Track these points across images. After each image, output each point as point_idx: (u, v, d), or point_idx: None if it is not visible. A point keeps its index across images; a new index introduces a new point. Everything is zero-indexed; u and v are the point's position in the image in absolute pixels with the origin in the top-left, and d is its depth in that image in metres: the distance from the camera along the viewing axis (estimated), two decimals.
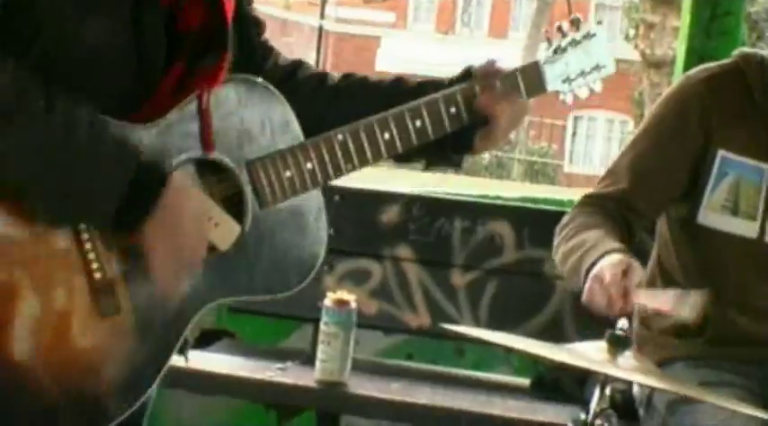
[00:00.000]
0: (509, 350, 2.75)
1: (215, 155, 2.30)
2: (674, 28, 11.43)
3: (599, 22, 2.65)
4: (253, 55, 2.48)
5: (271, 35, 2.58)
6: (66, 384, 2.20)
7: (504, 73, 2.52)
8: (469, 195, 4.21)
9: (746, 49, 3.23)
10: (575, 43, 2.60)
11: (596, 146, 32.44)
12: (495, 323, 3.90)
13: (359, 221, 3.96)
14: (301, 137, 2.39)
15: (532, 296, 3.91)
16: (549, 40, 2.61)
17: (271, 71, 2.50)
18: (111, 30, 2.21)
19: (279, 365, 3.69)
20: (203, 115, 2.28)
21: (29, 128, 2.11)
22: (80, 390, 2.21)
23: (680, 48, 4.67)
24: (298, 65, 2.58)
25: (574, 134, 31.29)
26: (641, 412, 3.15)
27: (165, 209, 2.19)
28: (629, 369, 2.44)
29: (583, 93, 2.62)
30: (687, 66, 4.55)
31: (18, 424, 2.19)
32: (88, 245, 2.19)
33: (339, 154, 2.39)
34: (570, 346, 2.55)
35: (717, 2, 4.54)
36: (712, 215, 3.12)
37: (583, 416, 2.46)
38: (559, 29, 2.61)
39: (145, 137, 2.23)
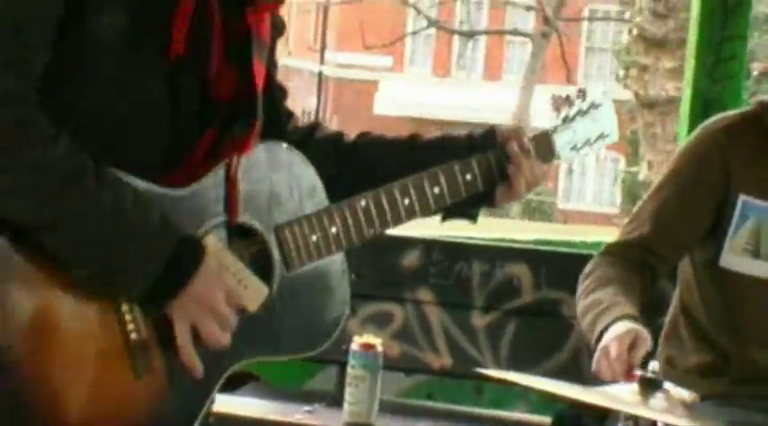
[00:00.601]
0: (553, 396, 2.75)
1: (244, 218, 2.30)
2: (666, 70, 11.41)
3: (604, 92, 2.68)
4: (278, 120, 2.49)
5: None
6: None
7: (530, 138, 2.56)
8: (488, 239, 4.20)
9: (765, 97, 3.24)
10: (582, 113, 2.64)
11: (589, 182, 32.53)
12: (516, 363, 3.88)
13: (380, 266, 3.94)
14: (326, 202, 2.40)
15: (551, 336, 3.89)
16: (558, 110, 2.63)
17: (291, 134, 2.51)
18: (150, 91, 2.21)
19: (306, 407, 3.68)
20: (231, 182, 2.28)
21: (81, 201, 2.11)
22: None
23: (685, 92, 4.67)
24: (315, 126, 2.59)
25: (569, 171, 31.34)
26: None
27: (198, 284, 2.19)
28: (662, 411, 2.42)
29: (589, 160, 2.67)
30: (693, 109, 4.57)
31: None
32: (125, 307, 2.17)
33: (362, 219, 2.40)
34: (604, 389, 2.53)
35: (720, 47, 4.55)
36: (734, 258, 3.11)
37: None
38: (567, 98, 2.64)
39: (177, 200, 2.23)
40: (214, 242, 2.25)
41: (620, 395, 2.47)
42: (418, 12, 29.19)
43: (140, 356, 2.18)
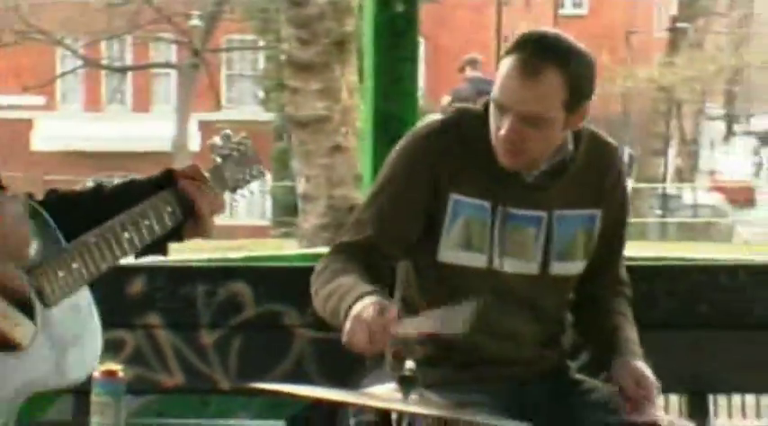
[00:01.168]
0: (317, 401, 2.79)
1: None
2: (315, 90, 11.54)
3: (244, 135, 2.89)
4: None
5: None
6: None
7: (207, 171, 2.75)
8: (209, 260, 4.16)
9: (464, 105, 3.32)
10: (233, 150, 2.84)
11: (239, 198, 32.56)
12: (245, 375, 3.86)
13: (108, 295, 3.81)
14: (61, 242, 2.48)
15: (276, 346, 3.88)
16: (213, 151, 2.83)
17: None
18: None
19: None
20: None
21: None
22: None
23: (366, 110, 4.77)
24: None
25: None
26: None
27: None
28: (419, 405, 2.46)
29: (247, 194, 2.91)
30: (375, 126, 4.68)
31: None
32: None
33: (96, 253, 2.50)
34: (368, 390, 2.55)
35: (393, 68, 4.66)
36: (450, 252, 3.18)
37: None
38: (222, 138, 2.86)
39: None
40: None
41: (384, 394, 2.49)
42: (74, 51, 28.62)
43: None
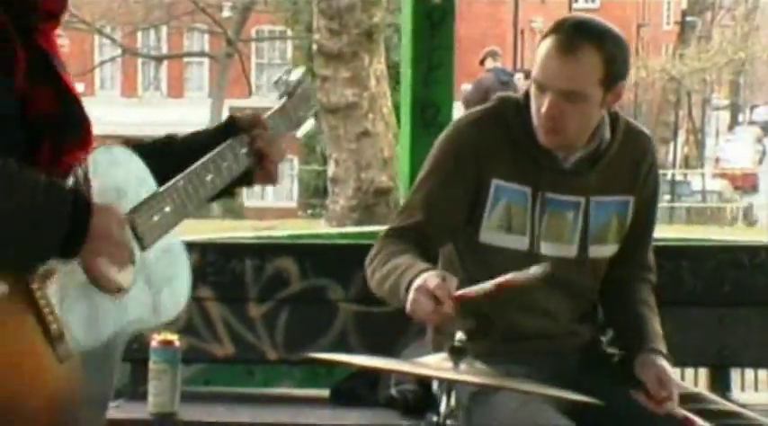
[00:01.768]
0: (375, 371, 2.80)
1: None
2: (344, 79, 11.55)
3: (304, 71, 2.80)
4: None
5: None
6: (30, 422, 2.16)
7: (267, 117, 2.66)
8: (255, 237, 4.17)
9: (504, 94, 3.32)
10: (295, 88, 2.74)
11: None
12: (291, 346, 3.87)
13: None
14: (155, 187, 2.44)
15: (320, 319, 3.89)
16: (278, 89, 2.74)
17: None
18: None
19: (112, 404, 3.56)
20: (84, 181, 2.28)
21: None
22: None
23: (403, 97, 4.76)
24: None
25: None
26: (443, 407, 3.16)
27: (96, 228, 2.23)
28: (470, 373, 2.46)
29: (308, 127, 2.78)
30: (412, 111, 4.68)
31: None
32: (42, 301, 2.17)
33: (185, 196, 2.47)
34: (421, 359, 2.55)
35: (431, 56, 4.66)
36: (491, 234, 3.19)
37: (435, 418, 2.47)
38: (280, 79, 2.76)
39: None
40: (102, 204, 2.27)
41: (434, 364, 2.49)
42: (113, 40, 28.68)
43: (60, 343, 2.19)
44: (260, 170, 2.60)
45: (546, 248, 3.19)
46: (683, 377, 4.08)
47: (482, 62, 14.24)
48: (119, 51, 31.13)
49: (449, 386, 2.48)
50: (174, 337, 3.49)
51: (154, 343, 3.48)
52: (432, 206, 3.18)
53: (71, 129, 2.29)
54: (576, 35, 3.06)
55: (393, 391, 3.59)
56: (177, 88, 33.78)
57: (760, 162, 42.33)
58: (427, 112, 4.68)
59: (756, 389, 4.61)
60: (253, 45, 32.84)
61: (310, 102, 2.77)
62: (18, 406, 2.13)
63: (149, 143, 2.59)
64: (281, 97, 2.71)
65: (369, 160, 10.82)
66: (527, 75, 14.08)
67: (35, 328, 2.16)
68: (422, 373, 2.51)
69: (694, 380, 4.17)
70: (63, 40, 2.61)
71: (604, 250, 3.25)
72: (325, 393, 3.80)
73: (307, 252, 3.95)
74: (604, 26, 3.13)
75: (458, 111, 4.65)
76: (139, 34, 31.46)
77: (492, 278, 3.14)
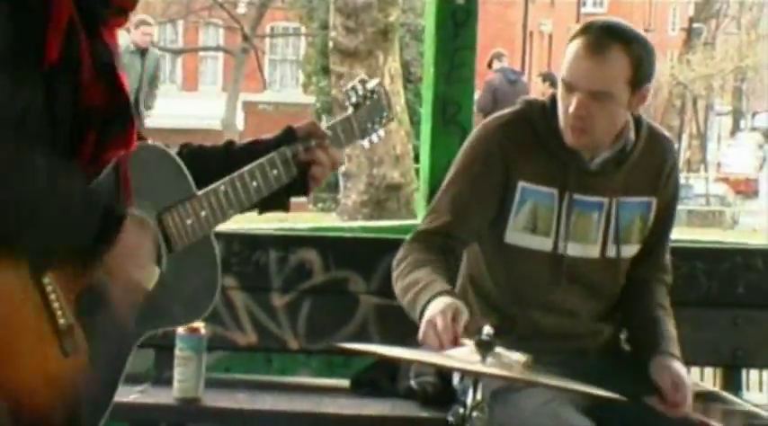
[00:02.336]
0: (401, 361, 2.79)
1: (132, 209, 2.30)
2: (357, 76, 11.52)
3: (378, 81, 2.76)
4: None
5: None
6: (39, 417, 2.13)
7: (327, 127, 2.62)
8: (279, 229, 4.17)
9: (529, 97, 3.33)
10: (366, 99, 2.70)
11: None
12: (312, 336, 3.87)
13: None
14: (193, 189, 2.42)
15: (341, 310, 3.89)
16: (348, 98, 2.70)
17: None
18: (34, 100, 2.14)
19: (138, 388, 3.57)
20: (122, 178, 2.28)
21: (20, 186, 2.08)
22: (47, 421, 2.15)
23: (426, 95, 4.74)
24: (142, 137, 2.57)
25: None
26: (470, 400, 3.16)
27: (124, 243, 2.21)
28: (496, 367, 2.46)
29: (375, 139, 2.74)
30: (435, 109, 4.66)
31: None
32: (53, 296, 2.15)
33: (224, 202, 2.44)
34: (450, 352, 2.55)
35: (453, 56, 4.64)
36: (516, 235, 3.19)
37: (461, 410, 2.47)
38: (353, 88, 2.71)
39: None
40: (134, 218, 2.27)
41: (463, 357, 2.48)
42: (128, 31, 28.62)
43: (67, 337, 2.17)
44: (311, 179, 2.57)
45: (570, 248, 3.18)
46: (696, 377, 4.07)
47: (489, 65, 14.35)
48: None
49: (476, 378, 2.47)
50: (200, 325, 3.48)
51: (180, 331, 3.47)
52: (459, 207, 3.19)
53: (116, 126, 2.27)
54: (605, 36, 3.06)
55: (413, 382, 3.58)
56: (192, 81, 33.77)
57: (761, 168, 42.29)
58: (448, 111, 4.67)
59: (761, 390, 4.60)
60: (267, 41, 32.82)
61: (383, 112, 2.71)
62: (21, 395, 2.11)
63: (207, 147, 2.59)
64: (349, 107, 2.67)
65: (381, 156, 10.82)
66: (545, 79, 14.13)
67: (44, 321, 2.14)
68: (452, 366, 2.50)
69: (711, 379, 4.16)
70: None
71: (628, 250, 3.25)
72: (345, 382, 3.79)
73: (330, 245, 3.94)
74: (632, 29, 3.14)
75: None
76: (157, 28, 31.46)
77: (515, 276, 3.16)
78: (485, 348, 2.46)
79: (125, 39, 13.51)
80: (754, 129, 49.68)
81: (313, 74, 24.36)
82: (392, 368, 3.70)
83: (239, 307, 3.86)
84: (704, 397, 3.11)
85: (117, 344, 2.27)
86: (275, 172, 2.50)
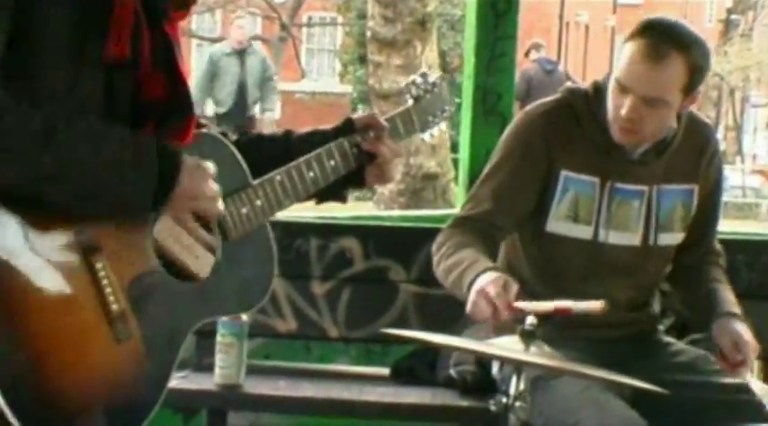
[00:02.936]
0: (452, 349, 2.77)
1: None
2: (396, 66, 11.53)
3: (441, 74, 2.73)
4: None
5: None
6: (87, 402, 2.12)
7: (386, 118, 2.59)
8: (319, 217, 4.17)
9: (572, 85, 3.30)
10: (427, 92, 2.68)
11: None
12: (352, 324, 3.88)
13: None
14: (249, 179, 2.40)
15: (381, 299, 3.90)
16: (409, 91, 2.66)
17: None
18: (93, 92, 2.13)
19: (179, 374, 3.58)
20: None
21: (65, 150, 2.05)
22: (101, 408, 2.13)
23: (466, 85, 4.73)
24: (202, 126, 2.54)
25: None
26: (512, 390, 3.15)
27: (184, 184, 2.18)
28: (539, 356, 2.45)
29: (435, 132, 2.72)
30: (474, 99, 4.64)
31: None
32: (105, 281, 2.12)
33: (280, 191, 2.42)
34: (492, 341, 2.54)
35: (494, 45, 4.63)
36: (558, 223, 3.18)
37: (504, 400, 2.46)
38: (414, 82, 2.68)
39: None
40: (168, 221, 2.23)
41: (507, 345, 2.48)
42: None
43: (120, 324, 2.14)
44: (373, 171, 2.54)
45: (612, 237, 3.17)
46: None
47: (527, 54, 14.35)
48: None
49: (518, 368, 2.46)
50: None
51: (222, 317, 3.48)
52: (501, 195, 3.17)
53: (174, 118, 2.25)
54: (664, 41, 3.01)
55: (452, 371, 3.58)
56: None
57: None
58: (489, 100, 4.65)
59: None
60: (304, 30, 32.84)
61: (444, 106, 2.70)
62: (68, 379, 2.09)
63: (267, 135, 2.58)
64: (410, 99, 2.65)
65: (418, 146, 10.80)
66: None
67: (96, 306, 2.12)
68: (496, 354, 2.49)
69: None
70: None
71: (670, 238, 3.23)
72: (385, 371, 3.79)
73: (370, 234, 3.95)
74: (691, 33, 3.07)
75: None
76: (195, 17, 31.51)
77: (555, 265, 3.14)
78: (528, 337, 2.44)
79: (222, 43, 13.46)
80: None
81: (350, 63, 24.34)
82: (431, 356, 3.70)
83: (280, 295, 3.87)
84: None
85: (170, 332, 2.24)
86: (332, 162, 2.47)
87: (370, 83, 12.58)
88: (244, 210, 2.35)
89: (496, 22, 4.62)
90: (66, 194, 2.06)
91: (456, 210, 3.99)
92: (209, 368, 3.53)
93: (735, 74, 30.51)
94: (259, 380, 3.58)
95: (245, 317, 3.50)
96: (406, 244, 3.89)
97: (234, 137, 2.52)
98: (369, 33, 11.65)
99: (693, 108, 3.25)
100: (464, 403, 3.48)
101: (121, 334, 2.14)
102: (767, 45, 32.47)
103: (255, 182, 2.39)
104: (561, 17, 31.72)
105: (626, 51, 3.04)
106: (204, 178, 2.21)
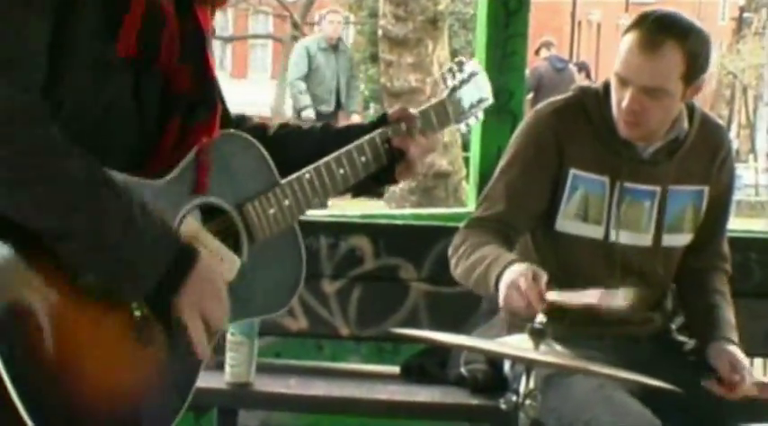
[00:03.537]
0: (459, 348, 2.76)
1: (213, 198, 2.24)
2: (408, 64, 11.53)
3: (476, 63, 2.67)
4: (223, 109, 2.39)
5: None
6: (114, 406, 2.08)
7: (419, 111, 2.53)
8: (329, 215, 4.17)
9: (583, 84, 3.30)
10: (465, 81, 2.62)
11: None
12: (363, 323, 3.88)
13: None
14: (277, 178, 2.33)
15: (392, 297, 3.89)
16: (444, 81, 2.61)
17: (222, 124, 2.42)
18: (120, 92, 2.11)
19: None
20: (202, 166, 2.21)
21: (96, 211, 2.00)
22: (127, 413, 2.10)
23: None
24: (241, 118, 2.51)
25: None
26: (522, 388, 3.15)
27: (194, 283, 2.10)
28: (548, 354, 2.44)
29: (472, 123, 2.65)
30: None
31: None
32: None
33: (309, 190, 2.35)
34: (502, 340, 2.54)
35: (505, 43, 4.62)
36: (567, 222, 3.17)
37: (514, 398, 2.45)
38: (450, 70, 2.63)
39: (158, 189, 2.13)
40: (192, 224, 2.18)
41: (516, 344, 2.47)
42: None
43: (144, 331, 2.10)
44: (402, 165, 2.46)
45: (622, 237, 3.16)
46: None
47: (537, 52, 14.33)
48: None
49: (528, 366, 2.45)
50: None
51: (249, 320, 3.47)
52: (513, 195, 3.16)
53: (201, 111, 2.21)
54: (659, 31, 3.02)
55: (463, 370, 3.57)
56: (241, 69, 33.89)
57: None
58: (500, 98, 4.63)
59: None
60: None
61: (480, 95, 2.63)
62: (93, 388, 2.05)
63: (306, 128, 2.51)
64: (445, 90, 2.58)
65: None
66: (580, 68, 14.07)
67: (119, 313, 2.08)
68: (505, 353, 2.48)
69: (758, 368, 4.13)
70: None
71: (679, 239, 3.23)
72: (396, 369, 3.79)
73: (380, 232, 3.94)
74: (687, 21, 3.09)
75: None
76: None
77: (566, 265, 3.14)
78: (537, 336, 2.44)
79: (315, 37, 12.89)
80: None
81: (361, 62, 24.34)
82: (442, 355, 3.69)
83: None
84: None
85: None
86: (363, 159, 2.41)
87: (381, 81, 12.57)
88: (271, 211, 2.29)
89: (507, 21, 4.61)
90: (76, 254, 2.01)
91: (467, 209, 4.00)
92: (219, 367, 3.53)
93: (748, 72, 30.46)
94: (270, 379, 3.57)
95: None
96: (417, 242, 3.89)
97: (273, 130, 2.48)
98: (380, 32, 11.64)
99: (706, 106, 3.24)
100: (474, 401, 3.48)
101: (145, 341, 2.11)
102: None
103: (284, 182, 2.32)
104: (573, 16, 31.70)
105: (623, 44, 3.05)
106: (214, 280, 2.15)
